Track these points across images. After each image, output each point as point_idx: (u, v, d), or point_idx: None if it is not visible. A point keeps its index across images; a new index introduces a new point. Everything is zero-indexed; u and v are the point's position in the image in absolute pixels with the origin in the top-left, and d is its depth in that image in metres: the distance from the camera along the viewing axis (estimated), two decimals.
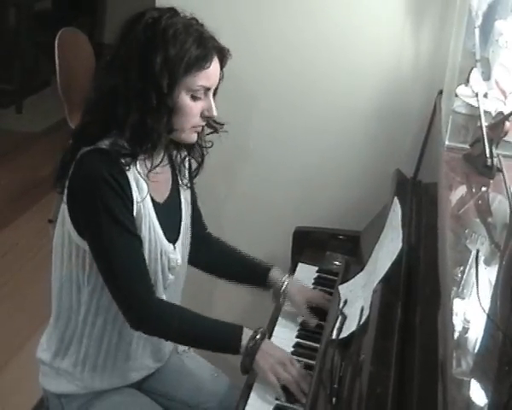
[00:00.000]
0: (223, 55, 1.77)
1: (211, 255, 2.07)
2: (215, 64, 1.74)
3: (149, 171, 1.75)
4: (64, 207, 1.75)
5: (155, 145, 1.72)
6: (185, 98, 1.71)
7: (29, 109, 6.00)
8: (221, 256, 2.09)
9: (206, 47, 1.71)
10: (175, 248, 1.87)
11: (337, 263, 2.30)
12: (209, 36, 1.74)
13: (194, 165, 1.96)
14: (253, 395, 1.72)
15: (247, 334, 1.75)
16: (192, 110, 1.73)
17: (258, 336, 1.74)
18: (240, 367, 1.76)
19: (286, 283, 2.01)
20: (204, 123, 1.79)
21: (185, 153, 1.91)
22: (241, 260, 2.08)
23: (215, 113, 1.77)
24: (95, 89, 1.75)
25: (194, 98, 1.73)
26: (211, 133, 1.89)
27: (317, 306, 2.00)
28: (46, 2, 6.66)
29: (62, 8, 6.78)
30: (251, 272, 2.07)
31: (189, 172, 1.96)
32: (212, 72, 1.73)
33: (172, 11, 1.73)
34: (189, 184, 1.95)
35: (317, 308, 2.00)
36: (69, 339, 1.85)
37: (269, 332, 1.95)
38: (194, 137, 1.80)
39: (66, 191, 1.72)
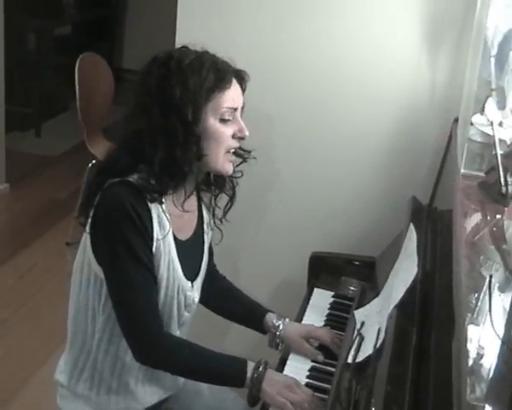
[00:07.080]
0: (241, 77, 1.79)
1: (214, 293, 2.05)
2: (235, 85, 1.76)
3: (183, 201, 1.75)
4: (86, 236, 1.76)
5: (186, 176, 1.73)
6: (215, 123, 1.72)
7: (48, 133, 6.05)
8: (223, 296, 2.09)
9: (222, 69, 1.73)
10: (193, 286, 1.87)
11: (353, 288, 2.31)
12: (223, 61, 1.76)
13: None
14: None
15: (250, 366, 1.76)
16: (224, 134, 1.74)
17: (261, 367, 1.75)
18: (247, 399, 1.77)
19: (280, 328, 1.99)
20: (237, 145, 1.79)
21: (216, 192, 1.91)
22: (241, 302, 2.08)
23: (247, 132, 1.77)
24: (121, 135, 1.76)
25: (223, 122, 1.73)
26: (240, 163, 1.88)
27: (316, 340, 1.99)
28: (66, 27, 6.75)
29: (82, 33, 6.87)
30: (248, 316, 2.07)
31: (213, 210, 1.95)
32: (233, 92, 1.74)
33: (183, 47, 1.76)
34: (218, 223, 1.95)
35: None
36: (83, 364, 1.86)
37: (284, 357, 1.97)
38: (229, 168, 1.80)
39: (90, 220, 1.73)
